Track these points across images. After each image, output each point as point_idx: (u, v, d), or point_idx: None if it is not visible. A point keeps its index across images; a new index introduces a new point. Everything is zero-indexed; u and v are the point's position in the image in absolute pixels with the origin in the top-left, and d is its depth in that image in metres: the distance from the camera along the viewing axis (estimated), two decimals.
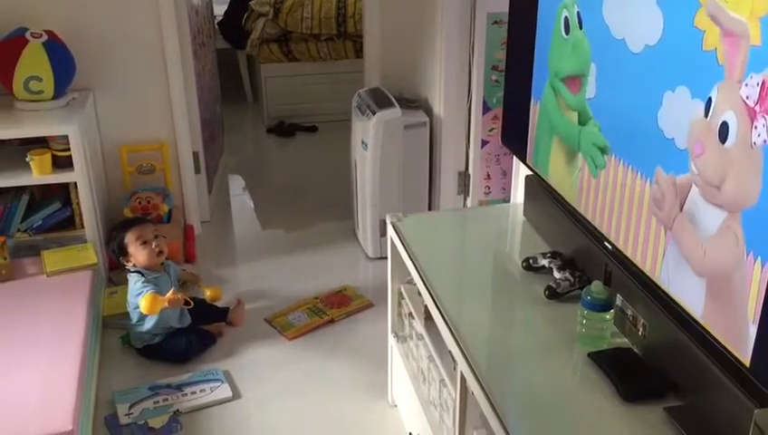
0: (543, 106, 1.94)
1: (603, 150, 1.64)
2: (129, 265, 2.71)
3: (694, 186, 1.33)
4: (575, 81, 1.74)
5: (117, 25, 3.26)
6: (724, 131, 1.23)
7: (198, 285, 2.97)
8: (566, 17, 1.74)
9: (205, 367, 2.68)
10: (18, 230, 3.04)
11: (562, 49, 1.79)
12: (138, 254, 2.68)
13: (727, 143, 1.22)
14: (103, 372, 2.66)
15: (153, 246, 2.68)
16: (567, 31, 1.75)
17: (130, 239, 2.68)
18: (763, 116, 1.13)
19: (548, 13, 1.86)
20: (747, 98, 1.17)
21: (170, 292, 2.61)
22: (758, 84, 1.14)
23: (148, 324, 2.67)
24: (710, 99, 1.26)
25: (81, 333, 2.49)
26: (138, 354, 2.74)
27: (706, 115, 1.27)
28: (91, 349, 2.56)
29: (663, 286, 1.46)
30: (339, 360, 2.75)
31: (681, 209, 1.37)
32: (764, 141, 1.14)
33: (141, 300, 2.57)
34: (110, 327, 2.88)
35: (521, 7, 2.04)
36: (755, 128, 1.15)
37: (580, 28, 1.68)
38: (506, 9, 2.15)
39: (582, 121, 1.73)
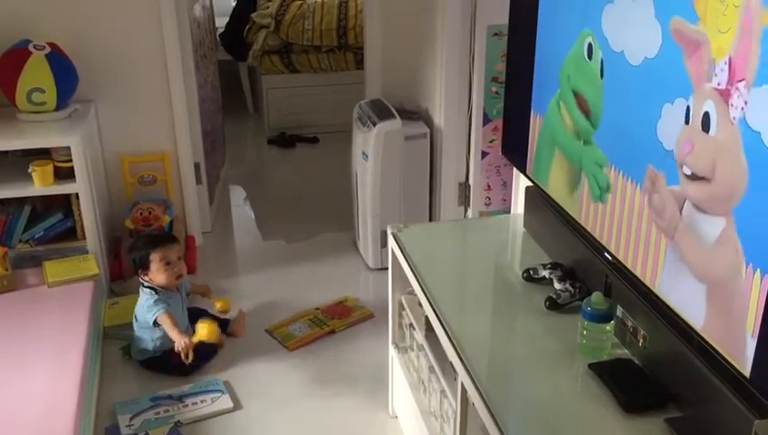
0: (547, 119, 1.94)
1: (603, 166, 1.65)
2: (146, 279, 2.70)
3: (689, 194, 1.34)
4: (587, 105, 1.74)
5: (119, 37, 3.28)
6: (706, 122, 1.27)
7: (209, 298, 2.99)
8: (590, 44, 1.70)
9: (205, 378, 2.68)
10: (20, 241, 3.05)
11: (583, 72, 1.75)
12: (158, 273, 2.66)
13: (711, 131, 1.26)
14: (104, 382, 2.65)
15: (175, 270, 2.68)
16: (590, 56, 1.71)
17: (155, 258, 2.66)
18: (736, 89, 1.19)
19: (556, 30, 1.88)
20: (719, 84, 1.23)
21: (184, 342, 2.60)
22: (726, 65, 1.21)
23: (153, 343, 2.67)
24: (688, 105, 1.31)
25: (82, 343, 2.50)
26: (139, 366, 2.74)
27: (687, 121, 1.32)
28: (93, 360, 2.56)
29: (663, 297, 1.46)
30: (339, 371, 2.75)
31: (680, 219, 1.38)
32: (741, 109, 1.18)
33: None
34: (111, 338, 2.88)
35: (521, 20, 2.05)
36: (732, 105, 1.20)
37: (602, 76, 1.66)
38: (506, 21, 2.16)
39: (586, 141, 1.74)
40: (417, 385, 2.17)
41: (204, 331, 2.65)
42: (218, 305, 2.97)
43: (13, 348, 2.47)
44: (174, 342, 2.66)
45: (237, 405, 2.56)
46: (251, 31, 5.37)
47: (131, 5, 3.25)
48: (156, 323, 2.64)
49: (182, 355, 2.60)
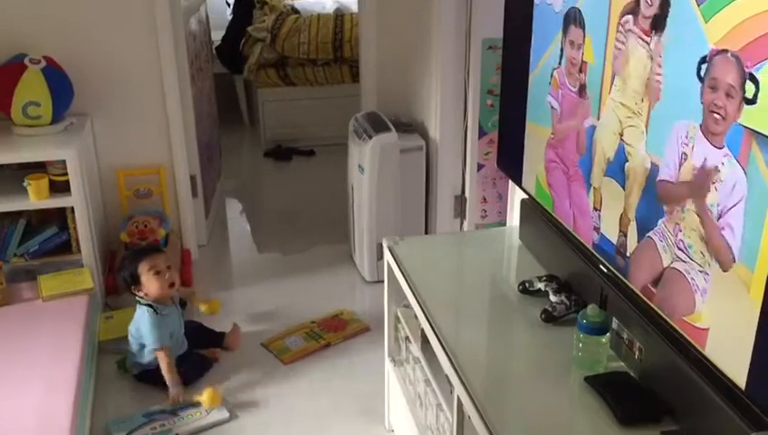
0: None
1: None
2: (141, 295, 2.68)
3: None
4: None
5: (115, 51, 3.29)
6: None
7: (193, 300, 2.99)
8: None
9: (199, 392, 2.66)
10: (15, 255, 3.03)
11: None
12: (150, 284, 2.64)
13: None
14: (99, 397, 2.64)
15: (166, 277, 2.67)
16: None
17: (143, 269, 2.64)
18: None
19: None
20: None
21: (177, 397, 2.57)
22: None
23: (149, 357, 2.66)
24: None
25: (76, 358, 2.48)
26: (134, 379, 2.72)
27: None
28: (87, 374, 2.55)
29: (658, 310, 1.46)
30: (335, 384, 2.74)
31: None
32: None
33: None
34: (105, 352, 2.86)
35: (515, 33, 2.06)
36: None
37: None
38: (501, 35, 2.17)
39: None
40: (413, 399, 2.16)
41: (206, 398, 2.56)
42: (203, 309, 2.98)
43: (6, 363, 2.46)
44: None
45: (233, 415, 2.54)
46: (247, 44, 5.39)
47: (127, 19, 3.26)
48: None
49: (171, 402, 2.57)
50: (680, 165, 1.35)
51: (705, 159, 1.28)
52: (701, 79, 1.26)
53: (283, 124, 5.18)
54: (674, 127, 1.36)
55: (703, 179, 1.28)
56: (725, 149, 1.22)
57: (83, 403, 2.39)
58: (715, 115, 1.23)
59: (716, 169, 1.25)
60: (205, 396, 2.56)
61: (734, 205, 1.21)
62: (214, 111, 4.42)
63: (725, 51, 1.20)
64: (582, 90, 1.70)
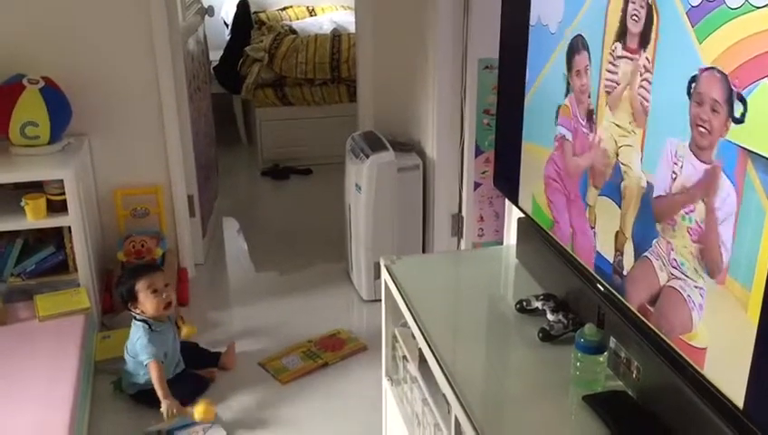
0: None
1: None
2: (136, 312, 2.68)
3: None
4: None
5: (113, 71, 3.30)
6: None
7: (180, 320, 3.00)
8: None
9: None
10: (11, 275, 3.03)
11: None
12: (147, 302, 2.64)
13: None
14: (95, 417, 2.62)
15: (163, 296, 2.66)
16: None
17: (142, 287, 2.64)
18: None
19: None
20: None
21: (170, 410, 2.55)
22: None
23: (145, 377, 2.65)
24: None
25: (73, 378, 2.47)
26: (130, 399, 2.71)
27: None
28: (83, 395, 2.54)
29: (656, 329, 1.46)
30: (333, 404, 2.73)
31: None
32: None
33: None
34: (102, 372, 2.85)
35: (511, 54, 2.08)
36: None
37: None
38: (497, 55, 2.19)
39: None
40: (410, 418, 2.15)
41: (199, 410, 2.57)
42: (184, 331, 2.99)
43: (2, 383, 2.45)
44: (167, 376, 2.65)
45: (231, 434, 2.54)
46: (245, 64, 5.41)
47: (126, 40, 3.28)
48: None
49: (164, 415, 2.55)
50: (671, 183, 1.36)
51: (694, 176, 1.29)
52: (690, 96, 1.28)
53: (281, 143, 5.19)
54: (665, 145, 1.38)
55: (692, 196, 1.30)
56: (716, 168, 1.23)
57: (79, 424, 2.38)
58: (701, 129, 1.25)
59: (705, 187, 1.26)
60: (198, 408, 2.55)
61: (725, 220, 1.22)
62: (211, 130, 4.43)
63: (713, 68, 1.21)
64: (590, 117, 1.69)
